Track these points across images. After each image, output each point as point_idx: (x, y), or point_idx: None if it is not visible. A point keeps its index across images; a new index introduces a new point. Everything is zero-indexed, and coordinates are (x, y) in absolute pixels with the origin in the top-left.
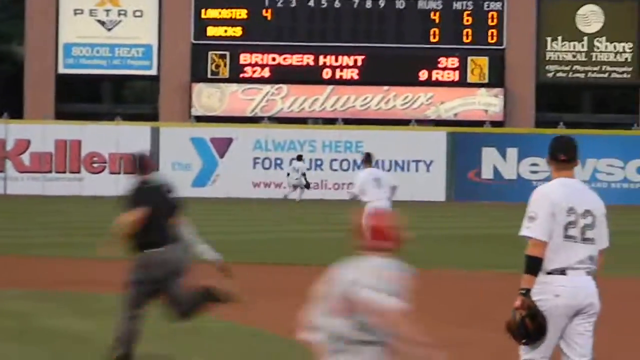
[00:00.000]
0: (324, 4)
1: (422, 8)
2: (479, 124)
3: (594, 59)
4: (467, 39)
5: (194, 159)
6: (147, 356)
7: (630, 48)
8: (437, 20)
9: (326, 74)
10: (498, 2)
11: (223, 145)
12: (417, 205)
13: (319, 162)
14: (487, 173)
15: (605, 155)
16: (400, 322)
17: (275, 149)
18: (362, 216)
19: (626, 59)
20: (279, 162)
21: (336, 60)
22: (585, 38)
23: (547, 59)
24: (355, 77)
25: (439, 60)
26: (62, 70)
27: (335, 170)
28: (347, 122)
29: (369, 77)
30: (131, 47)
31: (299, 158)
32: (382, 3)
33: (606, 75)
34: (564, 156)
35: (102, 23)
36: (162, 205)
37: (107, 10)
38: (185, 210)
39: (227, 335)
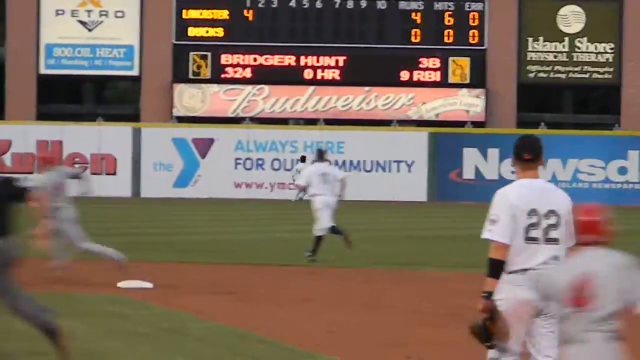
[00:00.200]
0: (305, 5)
1: (403, 8)
2: (461, 124)
3: (575, 60)
4: (449, 39)
5: (176, 159)
6: (129, 355)
7: (611, 48)
8: (418, 21)
9: (307, 74)
10: (479, 3)
11: (204, 145)
12: (398, 206)
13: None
14: (468, 173)
15: (587, 155)
16: None
17: (256, 149)
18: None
19: (607, 59)
20: (260, 162)
21: (317, 60)
22: (567, 38)
23: (529, 59)
24: (337, 77)
25: (420, 60)
26: (43, 70)
27: None
28: (329, 122)
29: (351, 77)
30: (113, 47)
31: (303, 159)
32: (363, 3)
33: (587, 75)
34: (528, 155)
35: (84, 24)
36: None
37: (89, 11)
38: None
39: (210, 335)
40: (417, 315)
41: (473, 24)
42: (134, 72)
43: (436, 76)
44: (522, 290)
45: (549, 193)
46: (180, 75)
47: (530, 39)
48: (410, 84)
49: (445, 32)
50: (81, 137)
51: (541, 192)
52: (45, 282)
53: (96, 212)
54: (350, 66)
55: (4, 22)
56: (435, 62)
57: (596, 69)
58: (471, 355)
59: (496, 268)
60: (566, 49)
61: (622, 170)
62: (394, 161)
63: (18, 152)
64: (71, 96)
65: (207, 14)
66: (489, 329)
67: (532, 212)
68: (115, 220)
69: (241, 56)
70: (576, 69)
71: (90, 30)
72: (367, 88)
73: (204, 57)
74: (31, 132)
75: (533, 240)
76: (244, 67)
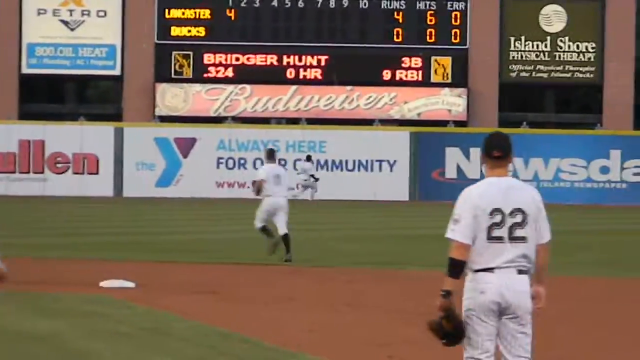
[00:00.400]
0: (287, 4)
1: (386, 8)
2: (443, 123)
3: (557, 59)
4: (431, 38)
5: (158, 159)
6: (111, 355)
7: (593, 48)
8: (400, 20)
9: (290, 73)
10: (461, 2)
11: (187, 145)
12: (380, 205)
13: (282, 162)
14: (450, 172)
15: (569, 154)
16: None
17: (238, 149)
18: None
19: (589, 58)
20: (242, 162)
21: (300, 60)
22: (549, 38)
23: (511, 58)
24: (319, 77)
25: (403, 60)
26: (25, 70)
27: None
28: (311, 122)
29: (333, 76)
30: (95, 47)
31: (308, 158)
32: (345, 3)
33: (569, 75)
34: (497, 152)
35: (66, 23)
36: None
37: (71, 10)
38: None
39: (193, 335)
40: (399, 314)
41: (455, 24)
42: (116, 72)
43: (418, 75)
44: (487, 290)
45: (515, 191)
46: (163, 74)
47: (512, 39)
48: (393, 83)
49: (428, 31)
50: (63, 137)
51: (506, 190)
52: (26, 282)
53: (79, 211)
54: (333, 65)
55: None
56: (417, 62)
57: (578, 69)
58: (452, 354)
59: (455, 268)
60: (548, 49)
61: (604, 170)
62: (376, 160)
63: (0, 151)
64: (53, 96)
65: (189, 13)
66: (445, 327)
67: (495, 211)
68: (98, 220)
69: (223, 55)
70: (558, 68)
71: (72, 29)
72: (349, 87)
73: (186, 57)
74: (13, 132)
75: (497, 239)
76: (226, 66)
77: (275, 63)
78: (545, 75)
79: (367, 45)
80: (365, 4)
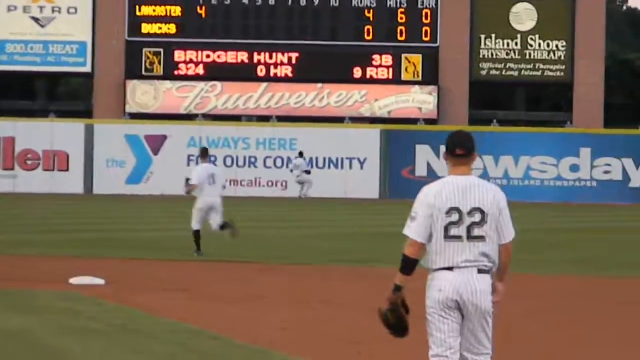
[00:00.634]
0: (258, 2)
1: (356, 5)
2: (413, 121)
3: (527, 57)
4: (401, 36)
5: (128, 156)
6: (81, 352)
7: (563, 46)
8: (371, 18)
9: (260, 71)
10: (432, 0)
11: (157, 142)
12: (350, 202)
13: (252, 160)
14: (420, 170)
15: (539, 152)
16: None
17: (209, 146)
18: None
19: (559, 56)
20: (212, 159)
21: (270, 57)
22: (519, 36)
23: (481, 56)
24: (289, 74)
25: (373, 57)
26: None
27: (269, 167)
28: (281, 119)
29: (303, 74)
30: (65, 44)
31: (300, 154)
32: (316, 1)
33: (540, 73)
34: (460, 150)
35: (36, 20)
36: None
37: (41, 7)
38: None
39: (162, 332)
40: (371, 311)
41: (425, 21)
42: (87, 69)
43: (389, 73)
44: (445, 287)
45: (475, 190)
46: (133, 71)
47: (482, 36)
48: (363, 80)
49: (398, 29)
50: (33, 133)
51: (465, 189)
52: None
53: (49, 208)
54: (303, 63)
55: None
56: (387, 59)
57: (548, 67)
58: (423, 351)
59: (406, 264)
60: (518, 47)
61: (574, 168)
62: (347, 158)
63: None
64: (23, 92)
65: (160, 10)
66: (389, 319)
67: (452, 210)
68: (68, 217)
69: (194, 53)
70: (528, 66)
71: (42, 26)
72: (319, 85)
73: (157, 54)
74: None
75: (454, 238)
76: (196, 63)
77: (246, 60)
78: (515, 73)
79: (338, 43)
80: (335, 2)
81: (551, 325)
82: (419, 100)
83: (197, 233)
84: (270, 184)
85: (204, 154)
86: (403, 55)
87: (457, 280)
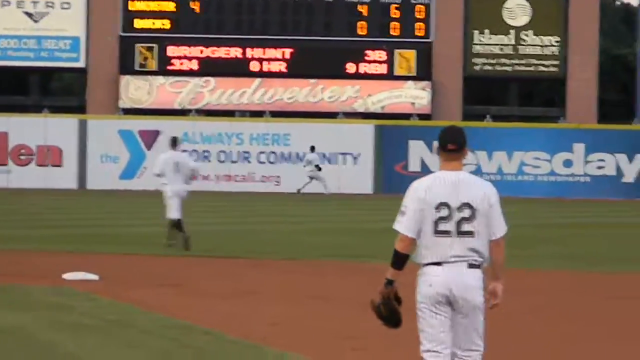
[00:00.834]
0: None
1: (350, 1)
2: (406, 116)
3: (520, 52)
4: (395, 32)
5: (122, 151)
6: (74, 347)
7: (557, 42)
8: (364, 13)
9: (254, 66)
10: None
11: (151, 137)
12: (344, 198)
13: (246, 155)
14: (414, 166)
15: (532, 148)
16: None
17: (202, 141)
18: None
19: (553, 52)
20: (206, 154)
21: (264, 53)
22: (512, 31)
23: (474, 52)
24: (283, 70)
25: (367, 53)
26: None
27: (263, 163)
28: (275, 114)
29: (297, 70)
30: (59, 39)
31: (312, 149)
32: None
33: (533, 68)
34: (452, 145)
35: (30, 15)
36: None
37: (35, 2)
38: None
39: (156, 327)
40: (363, 307)
41: (419, 17)
42: (80, 64)
43: (382, 69)
44: (434, 282)
45: (465, 186)
46: (127, 67)
47: (476, 32)
48: (357, 76)
49: (392, 24)
50: (27, 129)
51: (455, 184)
52: None
53: (42, 203)
54: (297, 58)
55: None
56: (381, 55)
57: (542, 62)
58: (416, 346)
59: (397, 259)
60: (512, 42)
61: (568, 163)
62: (340, 153)
63: None
64: (17, 87)
65: (153, 5)
66: (382, 312)
67: (442, 205)
68: (61, 212)
69: (187, 48)
70: (522, 62)
71: (36, 21)
72: (313, 80)
73: (150, 49)
74: None
75: (444, 233)
76: (190, 59)
77: (239, 56)
78: (509, 68)
79: (331, 39)
80: None
81: (543, 320)
82: (412, 96)
83: (177, 223)
84: (263, 179)
85: (174, 142)
86: (396, 51)
87: (446, 275)
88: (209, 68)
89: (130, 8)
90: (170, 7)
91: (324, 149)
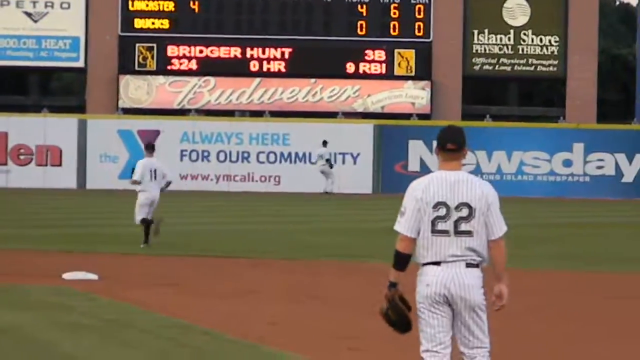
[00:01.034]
0: None
1: (350, 1)
2: (406, 116)
3: (520, 52)
4: (394, 31)
5: (121, 151)
6: (73, 346)
7: (556, 41)
8: (364, 13)
9: (253, 66)
10: None
11: (150, 137)
12: (343, 198)
13: (245, 155)
14: (414, 165)
15: (532, 148)
16: None
17: (202, 141)
18: None
19: (552, 52)
20: (206, 154)
21: (263, 52)
22: (512, 31)
23: (474, 51)
24: (283, 69)
25: (366, 52)
26: None
27: (262, 162)
28: (274, 114)
29: (296, 69)
30: (58, 39)
31: (324, 144)
32: None
33: (532, 68)
34: (451, 145)
35: (29, 14)
36: None
37: (34, 2)
38: None
39: (154, 327)
40: (362, 307)
41: (419, 17)
42: (80, 64)
43: (382, 68)
44: (432, 282)
45: (463, 185)
46: (126, 66)
47: (475, 32)
48: (356, 76)
49: (391, 24)
50: (26, 129)
51: (453, 184)
52: None
53: (41, 203)
54: (296, 58)
55: None
56: (380, 55)
57: (541, 62)
58: (413, 346)
59: (398, 260)
60: (511, 42)
61: (567, 163)
62: (340, 153)
63: None
64: (16, 87)
65: (153, 5)
66: (391, 317)
67: (440, 204)
68: (61, 212)
69: (187, 48)
70: (521, 61)
71: (35, 21)
72: (312, 80)
73: (150, 49)
74: None
75: (442, 233)
76: (189, 58)
77: (239, 55)
78: (508, 68)
79: (331, 38)
80: None
81: (542, 320)
82: (412, 96)
83: (143, 220)
84: (263, 179)
85: (150, 149)
86: (396, 51)
87: (444, 274)
88: (209, 68)
89: (129, 7)
90: (170, 6)
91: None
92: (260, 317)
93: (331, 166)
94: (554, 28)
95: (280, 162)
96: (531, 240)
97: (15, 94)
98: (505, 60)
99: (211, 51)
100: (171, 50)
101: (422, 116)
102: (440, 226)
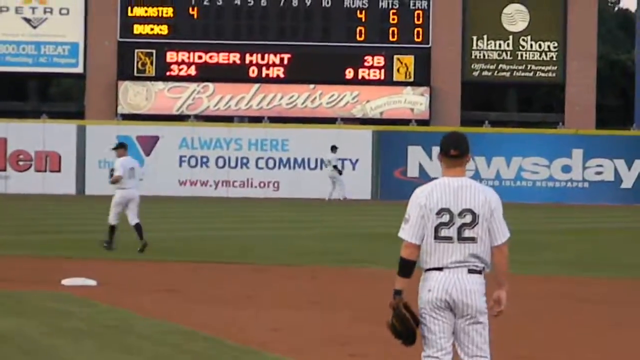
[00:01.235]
0: (250, 3)
1: (349, 6)
2: (405, 122)
3: (519, 58)
4: (393, 37)
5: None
6: (73, 353)
7: (555, 47)
8: (363, 19)
9: (252, 72)
10: (424, 1)
11: (149, 143)
12: (343, 204)
13: (244, 161)
14: (412, 171)
15: (531, 154)
16: None
17: (201, 147)
18: None
19: (551, 57)
20: (205, 160)
21: (262, 58)
22: (511, 37)
23: (473, 57)
24: (282, 75)
25: (365, 58)
26: None
27: (261, 168)
28: (273, 120)
29: (295, 75)
30: (57, 44)
31: (333, 149)
32: (308, 1)
33: (531, 74)
34: (454, 151)
35: (28, 20)
36: None
37: (33, 8)
38: None
39: (154, 333)
40: (362, 312)
41: (418, 22)
42: (79, 70)
43: (381, 74)
44: (434, 288)
45: (467, 192)
46: (125, 72)
47: (474, 37)
48: (355, 82)
49: (390, 30)
50: (25, 135)
51: (457, 190)
52: None
53: (40, 209)
54: (295, 64)
55: None
56: (379, 60)
57: (540, 68)
58: (415, 353)
59: (403, 267)
60: (510, 48)
61: (566, 169)
62: (339, 159)
63: None
64: (15, 93)
65: (152, 11)
66: (397, 327)
67: (443, 211)
68: (60, 218)
69: (186, 54)
70: (520, 67)
71: (34, 27)
72: (311, 86)
73: (149, 55)
74: None
75: (445, 239)
76: (188, 64)
77: (238, 61)
78: (507, 74)
79: (330, 44)
80: (327, 3)
81: (541, 326)
82: (411, 102)
83: (112, 228)
84: (262, 185)
85: (122, 147)
86: (395, 57)
87: (446, 280)
88: (208, 74)
89: (128, 13)
90: (169, 12)
91: (322, 155)
92: (261, 323)
93: (340, 172)
94: (553, 34)
95: (279, 167)
96: (531, 246)
97: (14, 99)
98: (504, 66)
99: (210, 57)
100: (170, 56)
101: (421, 122)
102: (444, 233)
